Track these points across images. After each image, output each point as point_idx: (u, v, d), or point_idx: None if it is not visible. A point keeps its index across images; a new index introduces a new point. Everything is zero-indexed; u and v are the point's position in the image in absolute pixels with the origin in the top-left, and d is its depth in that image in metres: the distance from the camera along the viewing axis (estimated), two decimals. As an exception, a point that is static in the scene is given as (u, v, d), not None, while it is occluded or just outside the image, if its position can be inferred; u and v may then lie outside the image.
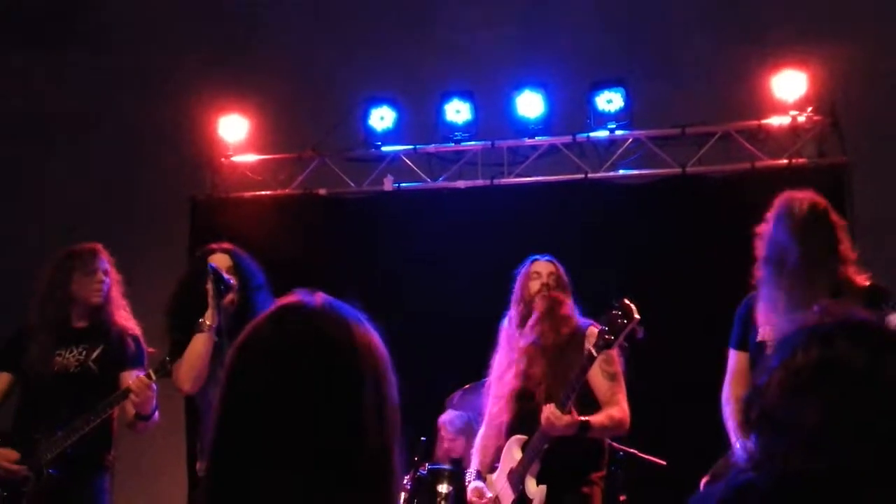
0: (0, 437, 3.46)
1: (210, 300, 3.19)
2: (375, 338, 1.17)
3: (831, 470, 1.07)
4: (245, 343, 1.16)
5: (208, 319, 3.20)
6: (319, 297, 1.18)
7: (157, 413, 3.50)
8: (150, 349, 3.66)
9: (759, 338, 3.04)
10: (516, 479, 3.22)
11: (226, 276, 3.24)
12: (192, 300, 3.26)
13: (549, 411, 3.07)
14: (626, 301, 3.08)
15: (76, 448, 3.36)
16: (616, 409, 3.24)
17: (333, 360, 1.12)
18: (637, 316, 3.06)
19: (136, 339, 3.62)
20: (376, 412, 1.12)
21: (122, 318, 3.62)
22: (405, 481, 3.83)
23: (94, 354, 3.52)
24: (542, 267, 3.48)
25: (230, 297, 3.21)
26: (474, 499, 3.34)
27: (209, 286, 3.19)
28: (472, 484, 3.39)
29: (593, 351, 3.08)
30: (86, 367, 3.50)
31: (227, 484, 1.10)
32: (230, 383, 1.14)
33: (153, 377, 3.32)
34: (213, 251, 3.44)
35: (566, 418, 3.07)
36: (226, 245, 3.47)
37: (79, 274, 3.54)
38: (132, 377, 3.41)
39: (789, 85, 5.30)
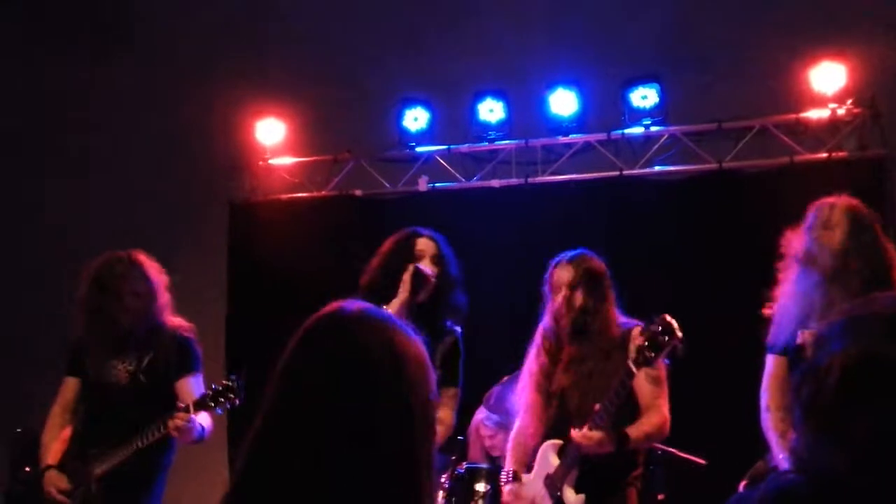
0: (64, 450, 3.51)
1: (402, 292, 3.13)
2: (411, 343, 1.20)
3: (878, 484, 0.99)
4: (287, 354, 1.20)
5: (392, 309, 3.13)
6: (355, 305, 1.22)
7: (206, 426, 3.43)
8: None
9: (798, 341, 2.99)
10: (553, 486, 3.20)
11: (428, 271, 3.20)
12: (387, 282, 3.21)
13: (579, 436, 3.03)
14: (668, 318, 3.00)
15: (126, 464, 3.36)
16: (656, 415, 3.20)
17: (364, 366, 1.15)
18: (679, 334, 2.98)
19: (184, 342, 3.54)
20: (408, 414, 1.15)
21: (170, 322, 3.55)
22: (443, 480, 3.85)
23: (144, 364, 3.49)
24: (561, 276, 3.31)
25: (424, 294, 3.18)
26: (510, 499, 3.33)
27: (407, 278, 3.15)
28: (508, 487, 3.38)
29: (632, 367, 3.04)
30: (136, 379, 3.48)
31: (260, 483, 1.13)
32: (275, 388, 1.18)
33: (191, 410, 3.27)
34: (419, 234, 3.38)
35: (597, 436, 3.03)
36: (431, 233, 3.40)
37: (110, 294, 3.46)
38: (185, 386, 3.40)
39: (828, 77, 5.22)
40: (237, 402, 3.29)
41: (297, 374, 1.17)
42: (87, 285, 3.53)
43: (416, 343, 1.21)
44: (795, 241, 3.04)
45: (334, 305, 1.23)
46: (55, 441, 3.53)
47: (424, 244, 3.30)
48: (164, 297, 3.58)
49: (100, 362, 3.51)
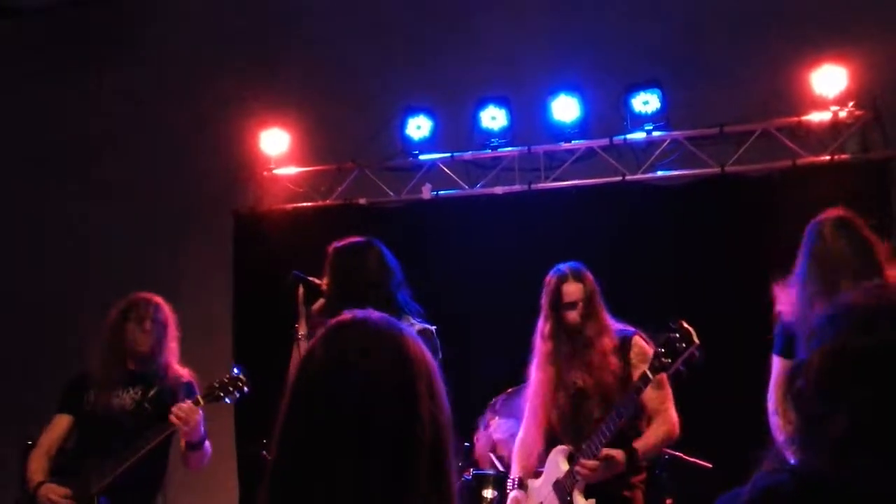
0: (54, 471, 3.55)
1: (299, 307, 3.14)
2: (422, 348, 1.25)
3: (857, 479, 0.98)
4: (306, 356, 1.24)
5: (301, 328, 3.15)
6: (370, 314, 1.27)
7: (207, 444, 3.53)
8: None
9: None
10: (563, 491, 3.22)
11: (314, 281, 3.18)
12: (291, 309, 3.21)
13: (583, 472, 3.06)
14: (685, 324, 3.01)
15: (128, 479, 3.41)
16: (663, 422, 3.22)
17: (387, 368, 1.19)
18: (696, 341, 2.98)
19: (189, 384, 3.67)
20: (430, 409, 1.18)
21: (175, 367, 3.70)
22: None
23: (150, 395, 3.60)
24: (572, 292, 3.34)
25: (320, 302, 3.14)
26: None
27: (299, 292, 3.15)
28: (513, 494, 3.40)
29: (649, 374, 3.05)
30: (141, 406, 3.58)
31: (292, 491, 1.15)
32: (294, 396, 1.21)
33: (201, 402, 3.38)
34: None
35: (592, 464, 3.06)
36: (329, 247, 3.34)
37: (132, 324, 3.64)
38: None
39: (829, 80, 5.22)
40: (245, 390, 3.40)
41: (321, 383, 1.19)
42: (113, 319, 3.69)
43: (424, 349, 1.25)
44: (798, 259, 3.06)
45: (350, 314, 1.27)
46: (41, 465, 3.56)
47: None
48: (176, 344, 3.74)
49: (101, 394, 3.59)
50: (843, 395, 1.01)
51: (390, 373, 1.18)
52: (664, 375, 3.22)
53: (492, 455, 4.43)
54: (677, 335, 2.99)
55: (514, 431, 4.40)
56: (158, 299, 3.75)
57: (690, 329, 2.99)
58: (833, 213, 3.07)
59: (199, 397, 3.40)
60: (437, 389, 1.21)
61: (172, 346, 3.71)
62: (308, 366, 1.22)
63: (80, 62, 6.56)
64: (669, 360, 2.99)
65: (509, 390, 4.19)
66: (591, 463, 3.03)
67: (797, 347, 3.04)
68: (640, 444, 3.13)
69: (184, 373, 3.71)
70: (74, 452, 3.61)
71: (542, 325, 3.42)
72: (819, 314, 1.10)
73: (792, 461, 2.98)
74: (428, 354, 1.24)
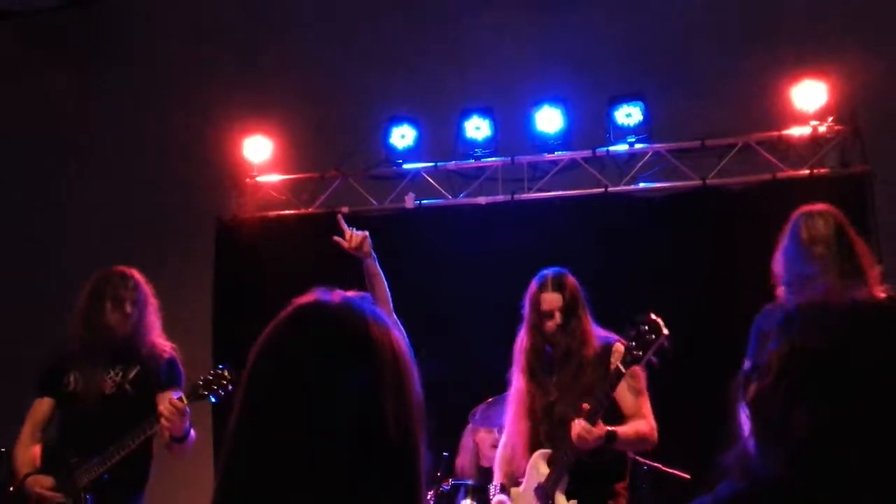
0: (39, 463, 3.51)
1: None
2: (393, 331, 1.16)
3: (814, 481, 0.99)
4: (265, 341, 1.14)
5: None
6: (336, 295, 1.17)
7: (192, 433, 3.50)
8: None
9: None
10: (544, 494, 3.22)
11: None
12: None
13: (579, 427, 3.05)
14: (653, 316, 3.05)
15: (113, 472, 3.39)
16: (643, 422, 3.23)
17: (348, 353, 1.11)
18: (665, 331, 3.02)
19: (171, 360, 3.63)
20: (395, 403, 1.10)
21: (157, 341, 3.63)
22: (429, 497, 3.84)
23: (131, 376, 3.55)
24: (551, 300, 3.34)
25: None
26: None
27: None
28: (497, 498, 3.39)
29: (621, 367, 3.07)
30: (122, 388, 3.53)
31: (245, 481, 1.09)
32: (251, 378, 1.13)
33: (185, 401, 3.34)
34: None
35: (596, 431, 3.05)
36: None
37: (110, 302, 3.56)
38: (167, 398, 3.41)
39: (809, 95, 5.29)
40: (230, 388, 3.35)
41: (284, 361, 1.11)
42: (89, 293, 3.61)
43: (397, 333, 1.16)
44: (781, 254, 3.07)
45: (314, 294, 1.17)
46: (28, 457, 3.54)
47: None
48: (156, 317, 3.68)
49: (81, 376, 3.54)
50: (802, 396, 1.02)
51: (352, 366, 1.09)
52: (643, 383, 3.23)
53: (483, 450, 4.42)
54: (646, 327, 3.02)
55: (495, 441, 4.39)
56: (133, 272, 3.65)
57: (659, 320, 3.03)
58: (822, 211, 3.08)
59: (183, 396, 3.35)
60: (406, 387, 1.11)
61: (153, 321, 3.64)
62: (266, 353, 1.13)
63: (63, 67, 6.52)
64: (640, 353, 3.02)
65: (489, 400, 4.19)
66: (586, 424, 3.02)
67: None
68: (619, 428, 3.13)
69: (166, 347, 3.64)
70: (57, 440, 3.56)
71: (523, 333, 3.42)
72: (775, 317, 1.11)
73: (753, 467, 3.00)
74: (399, 347, 1.14)
